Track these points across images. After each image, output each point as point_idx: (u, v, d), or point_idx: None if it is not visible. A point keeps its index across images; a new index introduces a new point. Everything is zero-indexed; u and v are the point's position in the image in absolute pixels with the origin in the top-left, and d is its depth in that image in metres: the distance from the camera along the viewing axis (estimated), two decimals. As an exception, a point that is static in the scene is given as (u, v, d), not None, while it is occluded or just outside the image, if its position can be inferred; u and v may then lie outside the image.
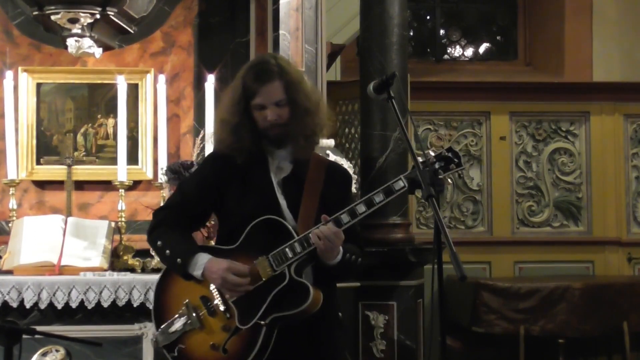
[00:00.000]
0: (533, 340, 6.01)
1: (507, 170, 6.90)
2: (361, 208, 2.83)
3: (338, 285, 3.08)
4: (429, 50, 7.56)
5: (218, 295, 2.90)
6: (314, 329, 2.91)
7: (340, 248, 2.85)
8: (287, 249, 2.83)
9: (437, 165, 2.80)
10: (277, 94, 2.92)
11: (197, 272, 2.90)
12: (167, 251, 2.95)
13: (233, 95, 2.99)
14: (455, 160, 2.83)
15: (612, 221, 6.93)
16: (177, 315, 2.94)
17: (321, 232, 2.78)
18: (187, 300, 2.94)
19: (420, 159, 2.81)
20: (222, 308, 2.89)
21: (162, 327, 2.96)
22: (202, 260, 2.90)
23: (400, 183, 2.83)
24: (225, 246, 2.95)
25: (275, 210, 2.91)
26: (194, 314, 2.92)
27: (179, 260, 2.92)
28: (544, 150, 6.96)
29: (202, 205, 3.04)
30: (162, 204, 3.11)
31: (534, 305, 5.99)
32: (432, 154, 2.83)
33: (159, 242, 2.98)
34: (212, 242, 3.89)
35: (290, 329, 2.86)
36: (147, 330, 4.10)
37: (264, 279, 2.85)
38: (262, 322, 2.83)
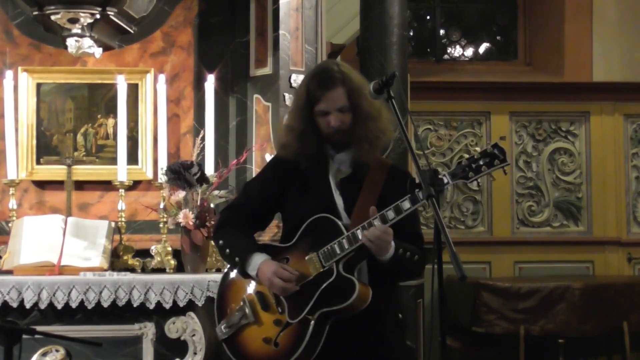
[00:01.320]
0: (533, 340, 6.01)
1: (507, 170, 6.89)
2: (406, 205, 2.87)
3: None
4: (429, 50, 7.56)
5: (271, 291, 2.99)
6: (368, 327, 2.96)
7: (393, 243, 2.88)
8: (335, 246, 2.90)
9: (481, 162, 2.83)
10: (340, 100, 2.99)
11: (252, 272, 3.02)
12: (227, 250, 3.09)
13: (297, 102, 3.09)
14: (501, 156, 2.85)
15: (612, 221, 6.93)
16: (235, 310, 3.05)
17: (371, 234, 2.83)
18: (244, 296, 3.05)
19: (462, 160, 2.85)
20: (275, 303, 2.98)
21: (222, 322, 3.08)
22: (257, 261, 3.01)
23: (445, 179, 2.84)
24: (283, 244, 3.06)
25: (331, 211, 2.98)
26: (249, 309, 3.02)
27: (237, 259, 3.05)
28: (544, 150, 6.97)
29: (264, 206, 3.16)
30: (228, 204, 3.28)
31: (534, 305, 5.99)
32: (478, 149, 2.86)
33: (220, 242, 3.12)
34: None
35: (343, 327, 2.92)
36: (147, 330, 4.10)
37: (313, 275, 2.93)
38: (310, 317, 2.89)
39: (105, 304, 4.04)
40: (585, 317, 5.99)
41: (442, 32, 7.54)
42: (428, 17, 7.58)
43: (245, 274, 3.05)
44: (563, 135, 6.98)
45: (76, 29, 4.29)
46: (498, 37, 7.60)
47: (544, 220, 6.94)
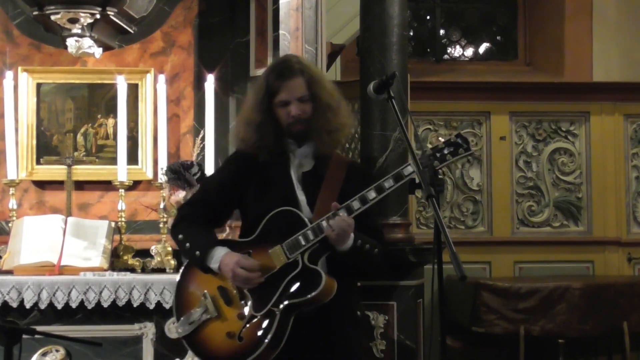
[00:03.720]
0: (533, 340, 6.01)
1: (507, 170, 6.90)
2: (371, 194, 2.89)
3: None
4: (429, 50, 7.56)
5: (234, 285, 2.97)
6: (329, 323, 2.96)
7: (351, 234, 2.88)
8: (300, 237, 2.90)
9: (446, 151, 2.85)
10: (300, 89, 3.01)
11: (214, 265, 2.99)
12: (187, 244, 3.05)
13: (256, 95, 3.09)
14: (464, 145, 2.88)
15: (612, 221, 6.93)
16: (196, 307, 3.02)
17: (335, 223, 2.83)
18: (205, 291, 3.02)
19: (427, 150, 2.86)
20: (238, 297, 2.97)
21: (182, 318, 3.04)
22: (219, 254, 2.98)
23: (410, 168, 2.87)
24: (244, 239, 3.04)
25: (294, 205, 2.98)
26: (211, 304, 3.00)
27: (197, 253, 3.01)
28: (544, 150, 6.96)
29: (223, 202, 3.14)
30: (187, 200, 3.24)
31: (534, 305, 5.99)
32: (442, 140, 2.87)
33: (180, 236, 3.09)
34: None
35: (305, 323, 2.91)
36: (147, 330, 4.10)
37: (277, 267, 2.92)
38: (276, 309, 2.87)
39: (105, 304, 4.04)
40: (585, 317, 5.98)
41: (442, 32, 7.54)
42: (428, 17, 7.58)
43: (206, 268, 3.01)
44: (563, 135, 6.98)
45: (76, 29, 4.29)
46: (498, 37, 7.60)
47: (544, 220, 6.94)
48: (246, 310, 2.94)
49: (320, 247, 2.91)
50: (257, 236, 2.99)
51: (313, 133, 3.02)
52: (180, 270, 3.18)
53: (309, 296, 2.86)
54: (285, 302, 2.88)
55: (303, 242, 2.89)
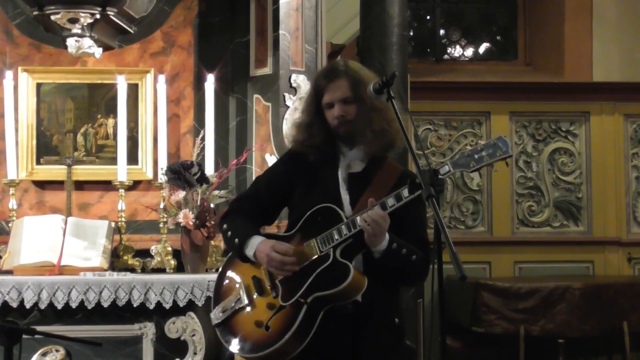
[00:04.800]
0: (533, 340, 6.01)
1: (507, 170, 6.90)
2: (406, 192, 2.88)
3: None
4: (429, 50, 7.56)
5: (267, 275, 3.02)
6: (361, 326, 2.96)
7: (387, 236, 2.88)
8: (334, 231, 2.93)
9: (484, 153, 2.87)
10: (343, 91, 3.04)
11: (250, 252, 3.04)
12: (229, 233, 3.12)
13: (307, 98, 3.18)
14: (503, 148, 2.90)
15: (612, 221, 6.93)
16: (230, 296, 3.08)
17: (368, 216, 2.84)
18: (240, 281, 3.09)
19: (465, 151, 2.87)
20: (270, 287, 3.00)
21: (217, 306, 3.10)
22: (256, 241, 3.04)
23: (446, 167, 2.86)
24: (284, 233, 3.09)
25: (336, 204, 3.00)
26: (244, 293, 3.05)
27: (236, 240, 3.07)
28: (544, 150, 6.97)
29: (272, 198, 3.19)
30: (237, 195, 3.32)
31: (534, 305, 5.99)
32: (482, 142, 2.90)
33: (224, 226, 3.16)
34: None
35: (336, 323, 2.92)
36: (147, 330, 4.10)
37: (310, 260, 2.94)
38: (303, 301, 2.89)
39: (105, 304, 4.03)
40: (585, 317, 5.99)
41: (442, 32, 7.54)
42: (428, 17, 7.58)
43: (244, 256, 3.05)
44: (563, 135, 6.98)
45: (76, 29, 4.29)
46: (498, 37, 7.60)
47: (544, 220, 6.94)
48: (276, 300, 2.97)
49: (354, 244, 2.92)
50: (296, 231, 3.03)
51: (358, 134, 3.05)
52: (223, 263, 3.23)
53: (335, 289, 2.87)
54: (313, 294, 2.89)
55: (336, 237, 2.91)
